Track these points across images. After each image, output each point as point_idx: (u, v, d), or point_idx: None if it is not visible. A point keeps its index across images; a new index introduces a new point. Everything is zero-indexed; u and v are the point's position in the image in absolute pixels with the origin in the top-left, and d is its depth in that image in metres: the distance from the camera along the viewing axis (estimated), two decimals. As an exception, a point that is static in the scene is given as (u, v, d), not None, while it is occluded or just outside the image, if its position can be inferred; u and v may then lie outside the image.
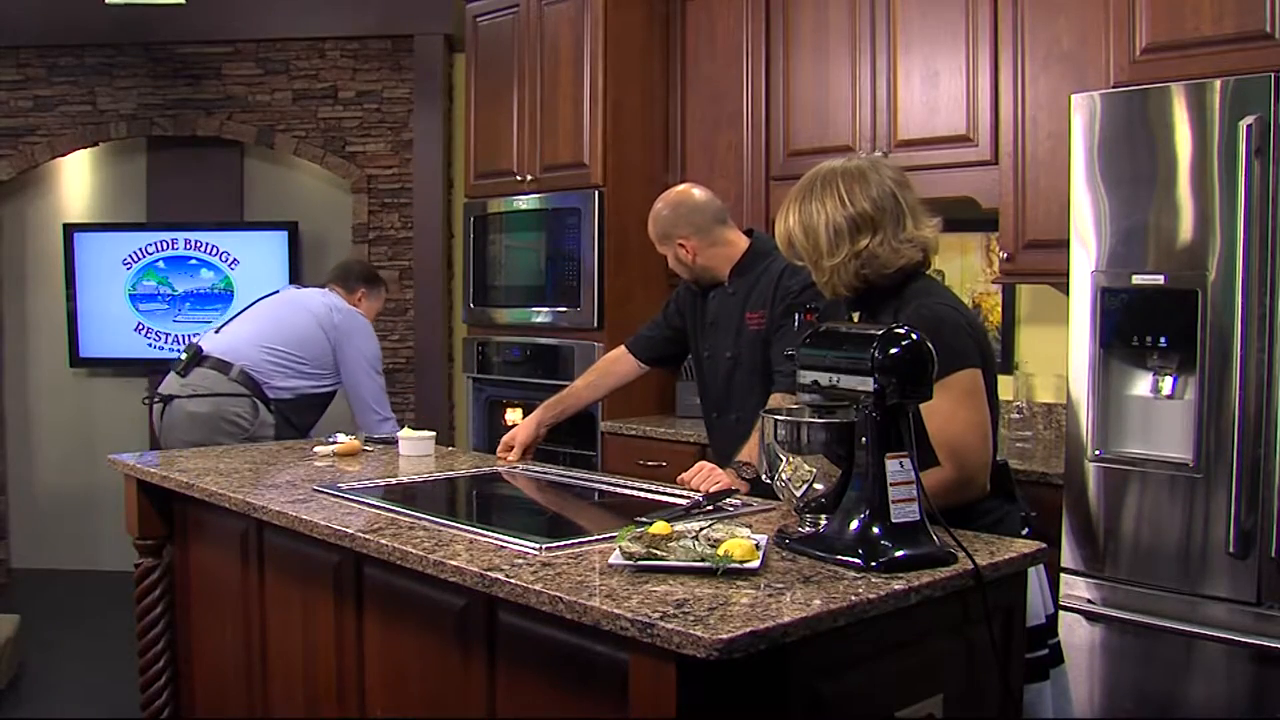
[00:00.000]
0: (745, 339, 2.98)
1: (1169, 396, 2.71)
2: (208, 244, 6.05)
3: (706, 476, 2.58)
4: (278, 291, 4.36)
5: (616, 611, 1.61)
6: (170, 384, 3.94)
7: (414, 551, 2.03)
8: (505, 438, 3.17)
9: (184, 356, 3.96)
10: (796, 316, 2.66)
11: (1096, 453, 2.82)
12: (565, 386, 3.43)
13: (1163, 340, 2.69)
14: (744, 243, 3.05)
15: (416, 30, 5.77)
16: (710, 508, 2.33)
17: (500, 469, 3.02)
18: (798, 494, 2.01)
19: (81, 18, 5.82)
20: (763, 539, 1.92)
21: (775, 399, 2.75)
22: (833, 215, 2.22)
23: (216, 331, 4.10)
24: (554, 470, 3.08)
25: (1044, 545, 2.08)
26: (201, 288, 6.08)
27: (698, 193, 3.09)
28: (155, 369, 6.07)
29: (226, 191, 6.18)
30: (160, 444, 3.94)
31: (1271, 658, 2.52)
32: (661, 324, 3.27)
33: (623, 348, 3.31)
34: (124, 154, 6.24)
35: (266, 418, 3.91)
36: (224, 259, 6.06)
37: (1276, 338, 2.51)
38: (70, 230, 6.07)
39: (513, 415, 4.59)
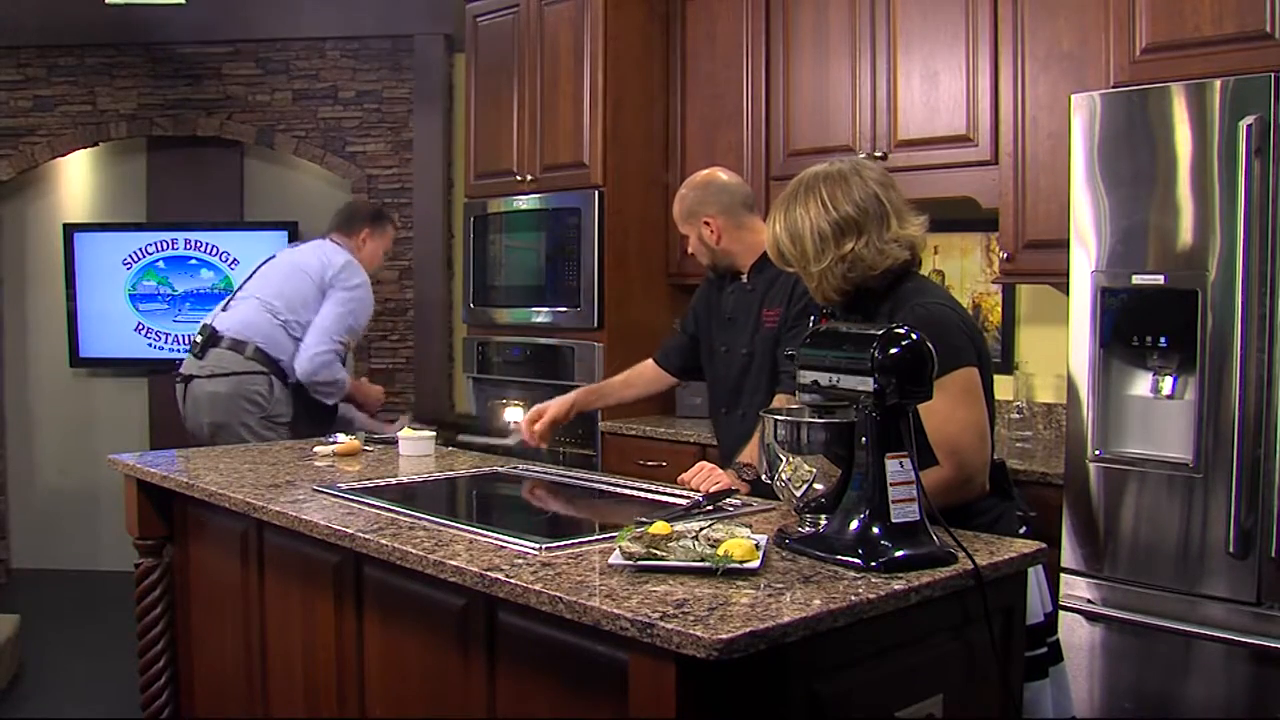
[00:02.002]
0: (761, 336, 2.97)
1: (1169, 396, 2.71)
2: (208, 244, 6.05)
3: (706, 476, 2.58)
4: (274, 256, 4.27)
5: (616, 611, 1.61)
6: (189, 365, 3.95)
7: (414, 551, 2.03)
8: (536, 407, 3.13)
9: (198, 338, 3.96)
10: (812, 319, 2.65)
11: (1096, 452, 2.82)
12: (565, 387, 3.43)
13: (1163, 340, 2.70)
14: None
15: (416, 30, 5.77)
16: (710, 508, 2.33)
17: (501, 469, 3.02)
18: (798, 494, 2.02)
19: (81, 18, 5.82)
20: (763, 539, 1.92)
21: (780, 399, 2.75)
22: (817, 221, 2.23)
23: (224, 309, 4.07)
24: (554, 470, 3.08)
25: (1043, 545, 2.08)
26: (201, 288, 6.08)
27: (724, 175, 3.10)
28: (155, 369, 6.08)
29: (226, 191, 6.18)
30: (185, 426, 3.96)
31: (1271, 658, 2.52)
32: (683, 334, 3.25)
33: (651, 359, 3.29)
34: (124, 154, 6.24)
35: (281, 394, 3.91)
36: (224, 259, 6.05)
37: (1276, 338, 2.51)
38: (70, 230, 6.07)
39: (512, 414, 4.58)
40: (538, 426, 3.07)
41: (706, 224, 3.00)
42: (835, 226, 2.22)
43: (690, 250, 3.12)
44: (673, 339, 3.30)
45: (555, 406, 3.12)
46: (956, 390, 2.14)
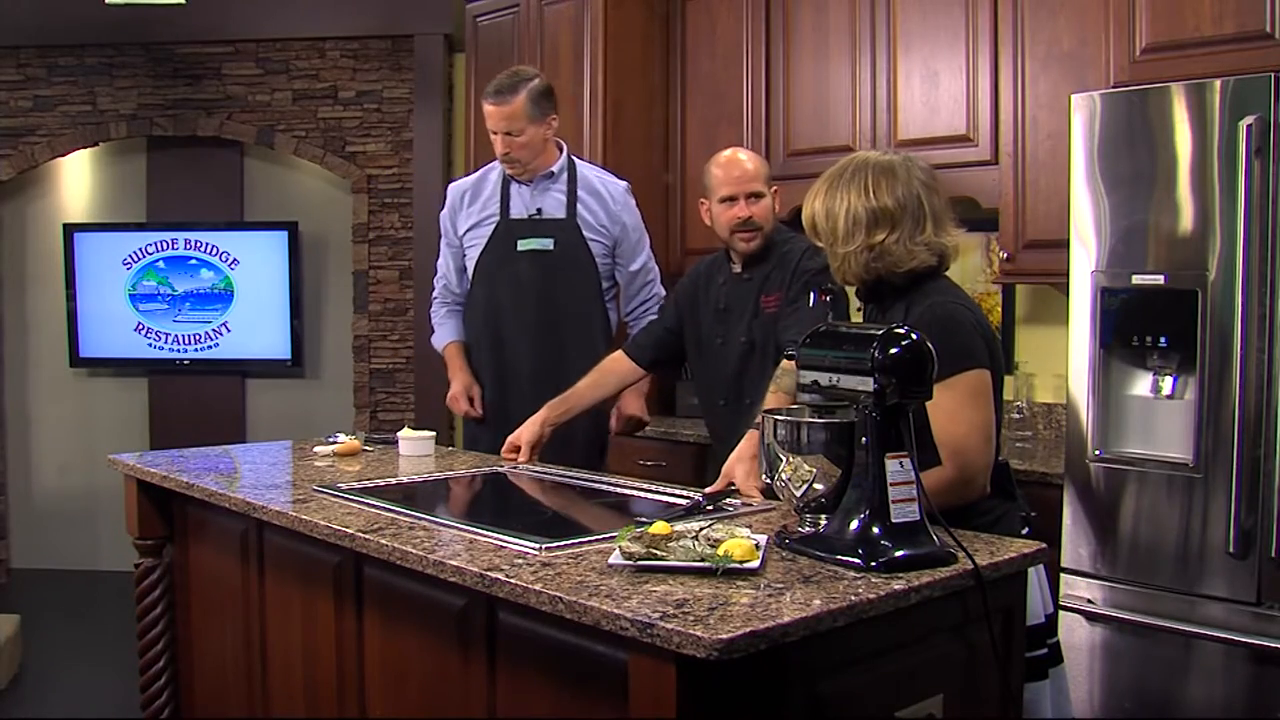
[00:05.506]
0: (761, 322, 2.97)
1: (1169, 396, 2.71)
2: (208, 244, 6.05)
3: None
4: None
5: (616, 611, 1.61)
6: None
7: (414, 551, 2.03)
8: (510, 438, 3.14)
9: None
10: (811, 294, 2.64)
11: (1096, 453, 2.82)
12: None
13: (1163, 340, 2.70)
14: None
15: (416, 30, 5.77)
16: (710, 508, 2.33)
17: (501, 469, 3.02)
18: (798, 494, 2.02)
19: (81, 18, 5.82)
20: (763, 539, 1.92)
21: (786, 365, 2.73)
22: (854, 205, 2.26)
23: None
24: (554, 470, 3.08)
25: (1044, 545, 2.08)
26: (201, 288, 6.07)
27: None
28: (155, 369, 6.09)
29: (226, 191, 6.18)
30: None
31: (1270, 658, 2.52)
32: (658, 325, 3.25)
33: (621, 350, 3.29)
34: (124, 154, 6.24)
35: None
36: (224, 259, 6.05)
37: (1276, 338, 2.51)
38: (70, 230, 6.07)
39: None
40: (520, 458, 3.04)
41: (776, 193, 3.03)
42: (870, 215, 2.24)
43: (752, 214, 2.96)
44: (647, 331, 3.27)
45: (527, 432, 3.07)
46: (965, 391, 2.14)
